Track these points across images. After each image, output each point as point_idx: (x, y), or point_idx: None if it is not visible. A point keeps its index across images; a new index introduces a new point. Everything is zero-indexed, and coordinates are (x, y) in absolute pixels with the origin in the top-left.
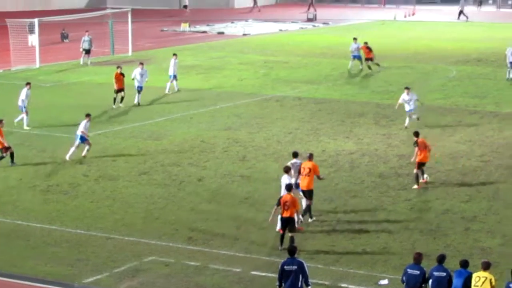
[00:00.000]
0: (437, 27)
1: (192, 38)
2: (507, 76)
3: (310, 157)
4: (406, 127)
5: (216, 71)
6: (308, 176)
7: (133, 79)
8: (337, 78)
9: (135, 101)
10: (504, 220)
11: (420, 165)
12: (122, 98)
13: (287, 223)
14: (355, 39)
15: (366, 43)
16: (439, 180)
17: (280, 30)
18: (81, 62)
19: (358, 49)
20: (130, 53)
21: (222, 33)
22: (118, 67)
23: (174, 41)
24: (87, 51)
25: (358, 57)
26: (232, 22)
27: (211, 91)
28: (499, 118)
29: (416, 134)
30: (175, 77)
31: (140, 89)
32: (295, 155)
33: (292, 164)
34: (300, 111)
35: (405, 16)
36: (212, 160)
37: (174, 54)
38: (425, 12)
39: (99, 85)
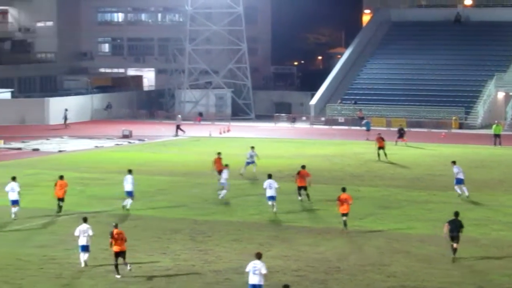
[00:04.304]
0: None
1: (5, 155)
2: None
3: None
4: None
5: (29, 189)
6: None
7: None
8: (153, 195)
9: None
10: None
11: None
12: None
13: None
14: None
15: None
16: None
17: (96, 146)
18: None
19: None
20: None
21: (37, 149)
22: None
23: None
24: None
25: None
26: (47, 139)
27: (24, 209)
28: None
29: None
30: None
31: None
32: None
33: None
34: None
35: (220, 133)
36: (27, 278)
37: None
38: (240, 129)
39: None
